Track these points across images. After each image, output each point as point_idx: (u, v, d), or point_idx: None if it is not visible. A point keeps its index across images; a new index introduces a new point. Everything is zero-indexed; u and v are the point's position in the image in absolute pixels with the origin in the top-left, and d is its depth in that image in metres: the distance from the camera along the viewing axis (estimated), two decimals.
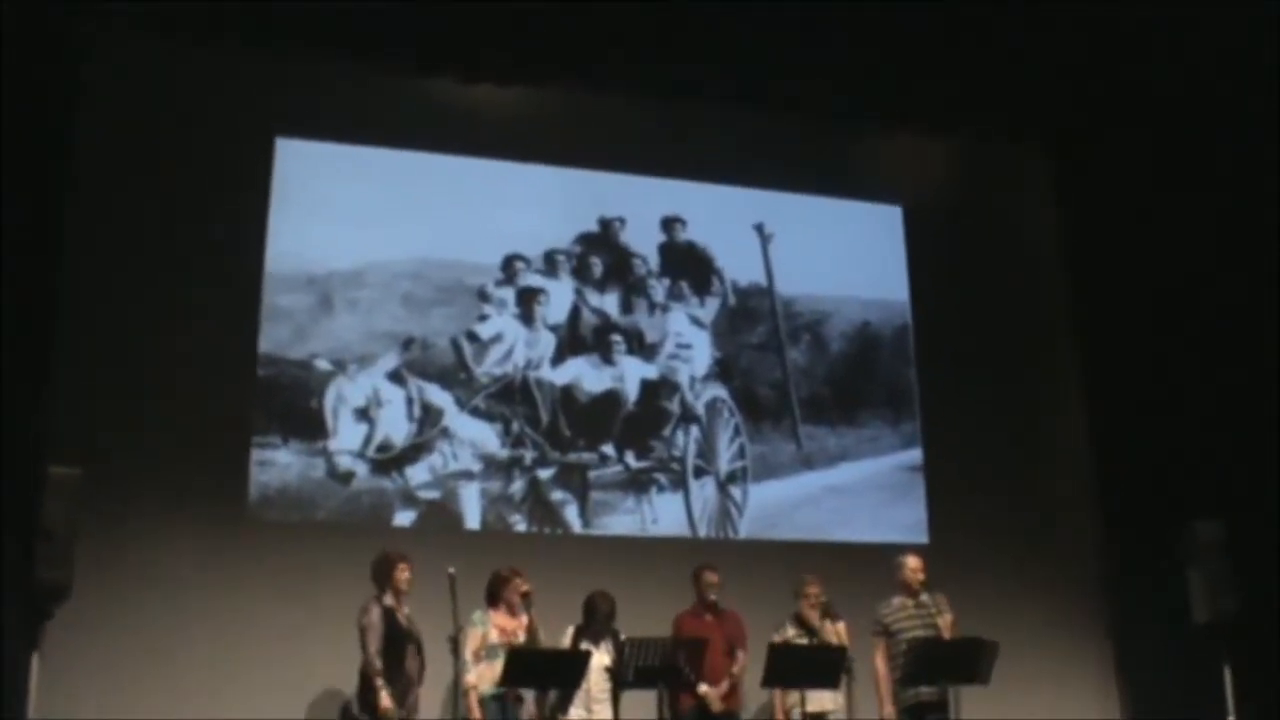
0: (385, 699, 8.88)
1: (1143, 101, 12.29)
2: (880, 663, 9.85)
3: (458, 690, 9.21)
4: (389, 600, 9.18)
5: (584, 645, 9.41)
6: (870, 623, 9.96)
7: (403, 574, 9.24)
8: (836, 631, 9.78)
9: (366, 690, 8.99)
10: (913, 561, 10.04)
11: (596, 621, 9.60)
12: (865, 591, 10.16)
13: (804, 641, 9.78)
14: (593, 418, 11.60)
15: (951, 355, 12.64)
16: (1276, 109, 11.46)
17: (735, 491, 11.81)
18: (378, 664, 8.96)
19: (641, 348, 11.87)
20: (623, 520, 11.49)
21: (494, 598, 9.66)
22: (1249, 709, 9.92)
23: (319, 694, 9.91)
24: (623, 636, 9.29)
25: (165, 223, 10.79)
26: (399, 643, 9.07)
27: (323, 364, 11.02)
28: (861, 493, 12.18)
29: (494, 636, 9.44)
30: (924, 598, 9.88)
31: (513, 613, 9.61)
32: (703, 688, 9.65)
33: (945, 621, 9.78)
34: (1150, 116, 12.32)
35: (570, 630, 9.60)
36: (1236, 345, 11.80)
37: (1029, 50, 12.05)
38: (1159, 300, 12.30)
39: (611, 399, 11.69)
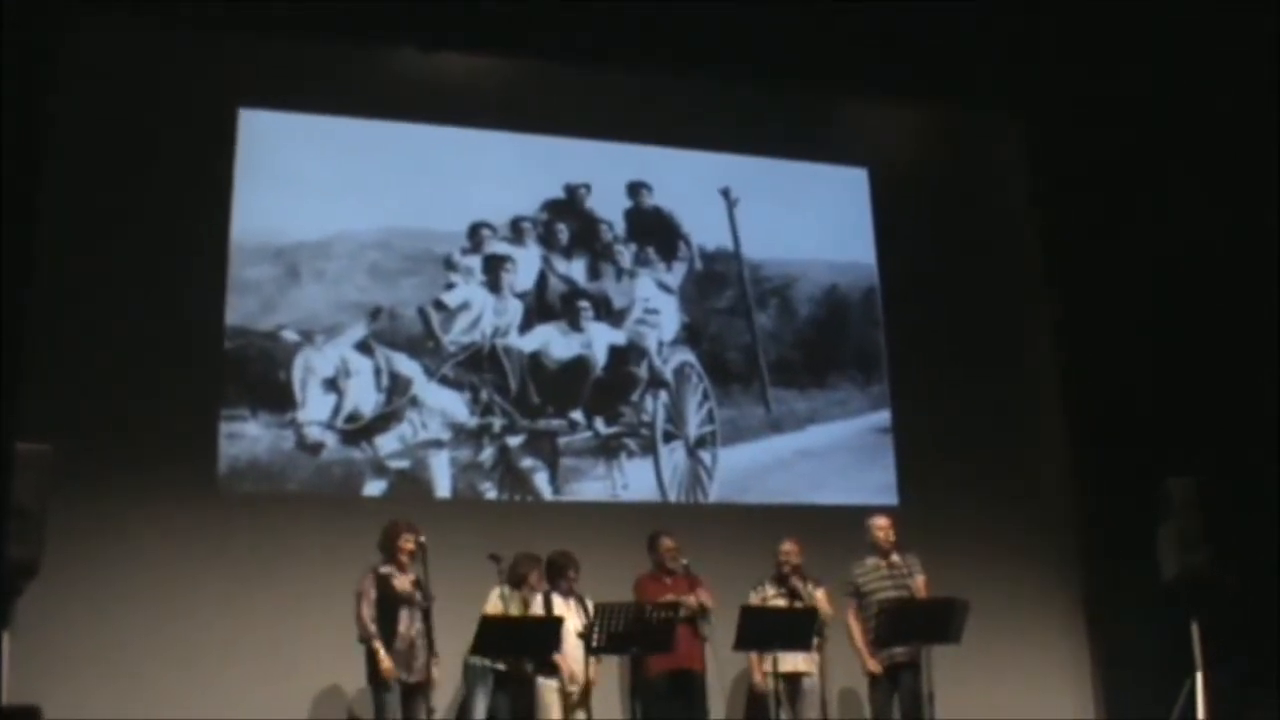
0: (385, 659, 8.96)
1: (1114, 65, 12.31)
2: (852, 621, 9.94)
3: (428, 657, 9.23)
4: (386, 568, 9.20)
5: (556, 607, 9.49)
6: (842, 584, 10.04)
7: (406, 544, 9.26)
8: (816, 595, 9.87)
9: (369, 655, 9.05)
10: (880, 521, 10.14)
11: (564, 580, 9.68)
12: (836, 553, 10.23)
13: (783, 602, 9.83)
14: (561, 384, 11.61)
15: (920, 317, 12.66)
16: (1249, 71, 11.52)
17: (705, 456, 11.84)
18: (371, 628, 9.03)
19: (609, 314, 11.87)
20: (593, 486, 11.51)
21: (515, 579, 9.74)
22: (1217, 665, 9.98)
23: (291, 664, 9.91)
24: (588, 600, 9.40)
25: (131, 195, 10.76)
26: (392, 607, 9.10)
27: (290, 335, 11.01)
28: (831, 455, 12.21)
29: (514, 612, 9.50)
30: (895, 558, 9.96)
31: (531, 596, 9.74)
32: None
33: (918, 582, 9.87)
34: (1121, 81, 12.33)
35: (539, 598, 9.64)
36: (1209, 305, 11.87)
37: (997, 14, 12.04)
38: (1130, 261, 12.33)
39: (580, 365, 11.69)
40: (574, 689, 9.42)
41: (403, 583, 9.19)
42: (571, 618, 9.39)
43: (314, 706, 10.05)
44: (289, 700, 10.11)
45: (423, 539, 9.00)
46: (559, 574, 9.76)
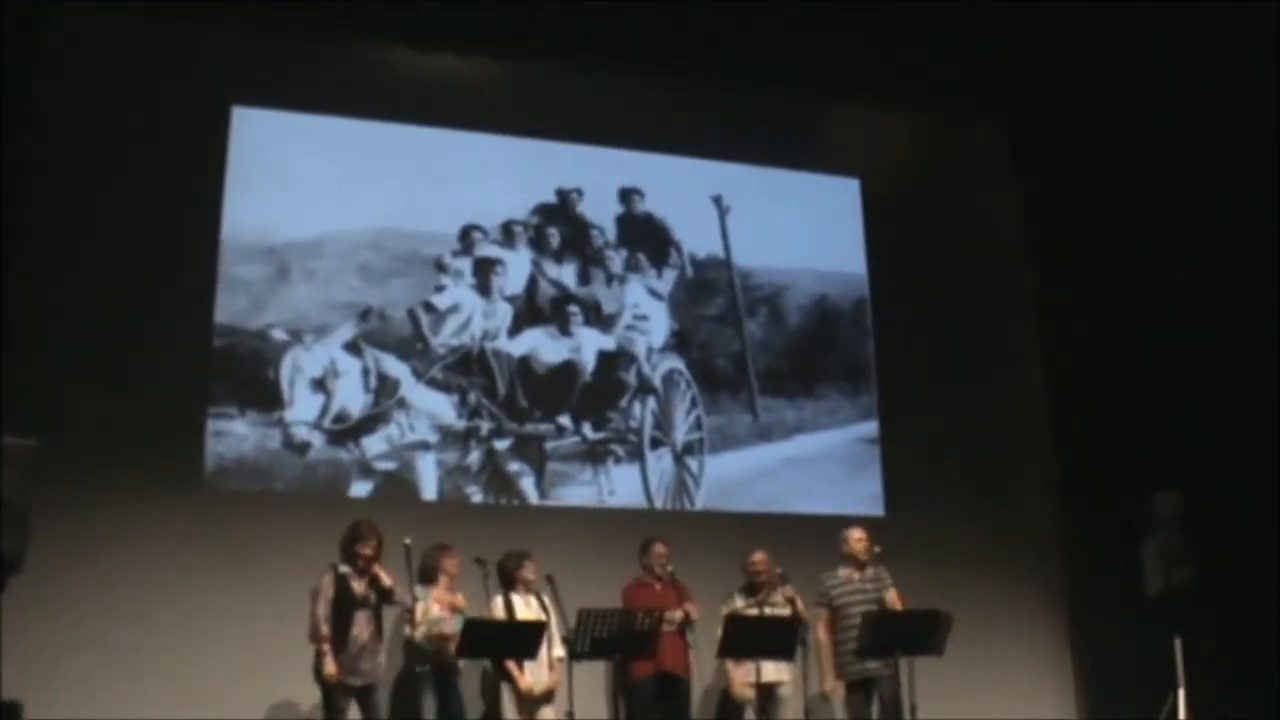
0: (330, 664, 8.93)
1: (1101, 76, 12.36)
2: (823, 634, 9.88)
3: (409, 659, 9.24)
4: (344, 568, 9.17)
5: (519, 609, 9.48)
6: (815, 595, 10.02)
7: (363, 549, 9.21)
8: (789, 599, 9.84)
9: (316, 656, 9.03)
10: (856, 533, 10.07)
11: (517, 582, 9.64)
12: (822, 563, 10.17)
13: (754, 612, 9.81)
14: (550, 389, 11.59)
15: (909, 328, 12.67)
16: (1238, 80, 11.57)
17: (692, 463, 11.83)
18: (323, 629, 8.99)
19: (599, 319, 11.87)
20: (579, 491, 11.49)
21: (428, 574, 9.67)
22: (1199, 681, 10.01)
23: (275, 664, 9.87)
24: (545, 597, 9.45)
25: (122, 192, 10.75)
26: (348, 609, 9.07)
27: (279, 334, 10.99)
28: (818, 465, 12.21)
29: (435, 610, 9.45)
30: (870, 571, 9.92)
31: (451, 587, 9.66)
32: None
33: (891, 595, 9.82)
34: (1108, 90, 12.39)
35: (499, 600, 9.59)
36: (1194, 319, 11.90)
37: (988, 24, 12.08)
38: (1117, 274, 12.37)
39: (568, 370, 11.68)
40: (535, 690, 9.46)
41: (360, 585, 9.15)
42: (532, 617, 9.40)
43: (296, 706, 10.01)
44: (271, 699, 10.10)
45: (408, 541, 8.97)
46: (509, 575, 9.72)
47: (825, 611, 9.92)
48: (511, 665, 9.36)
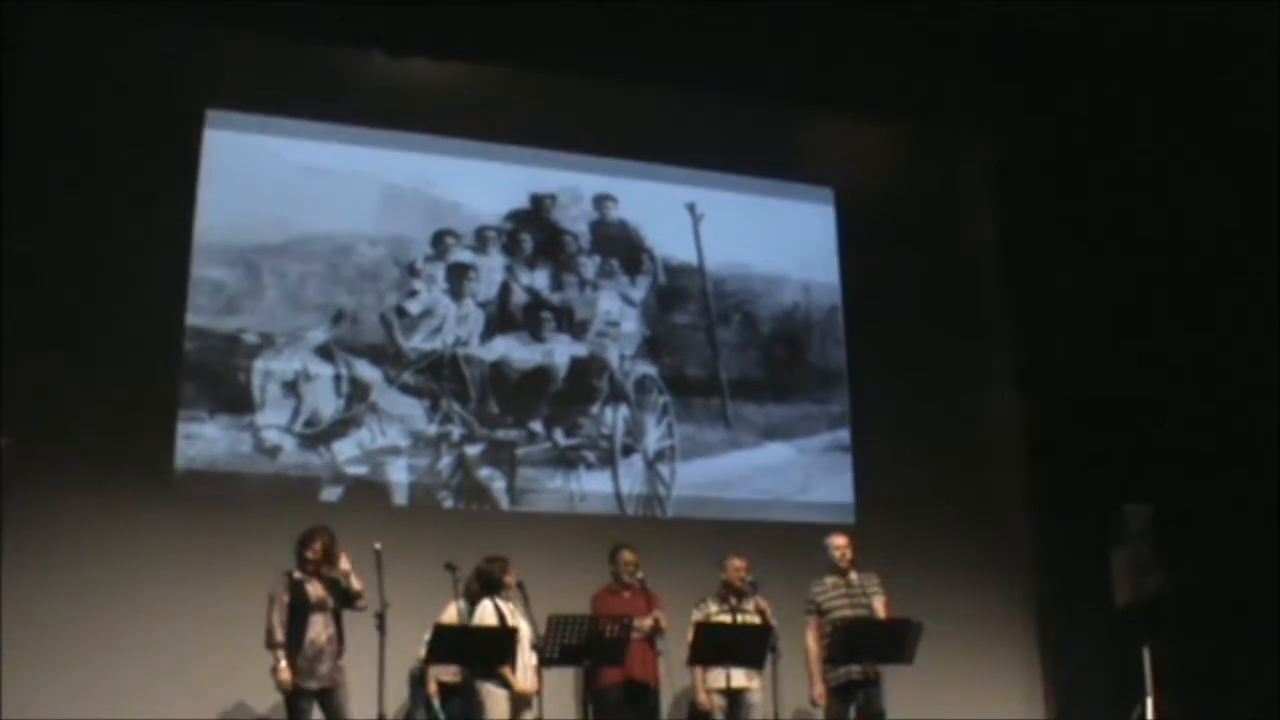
0: (284, 670, 8.89)
1: (1081, 86, 12.40)
2: (812, 641, 9.89)
3: (382, 665, 9.18)
4: (298, 573, 9.15)
5: (507, 616, 9.45)
6: (798, 602, 10.01)
7: (306, 552, 9.18)
8: (759, 609, 9.84)
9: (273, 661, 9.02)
10: (839, 540, 10.10)
11: (501, 587, 9.61)
12: (792, 571, 10.22)
13: (726, 618, 9.81)
14: (521, 395, 11.58)
15: (881, 337, 12.69)
16: (1215, 94, 11.63)
17: (663, 470, 11.83)
18: (278, 636, 8.96)
19: (571, 325, 11.86)
20: (550, 498, 11.50)
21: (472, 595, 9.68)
22: (1168, 690, 10.03)
23: (246, 666, 9.83)
24: (515, 604, 9.38)
25: (94, 194, 10.69)
26: (303, 613, 9.04)
27: (251, 338, 10.96)
28: (789, 473, 12.22)
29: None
30: (854, 577, 9.94)
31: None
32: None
33: (880, 602, 9.84)
34: (1085, 102, 12.43)
35: (489, 605, 9.55)
36: (1169, 330, 11.94)
37: (965, 35, 12.12)
38: (1091, 285, 12.40)
39: (540, 376, 11.68)
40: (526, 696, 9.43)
41: (315, 588, 9.13)
42: (518, 620, 9.38)
43: (265, 708, 9.99)
44: (242, 701, 10.08)
45: (378, 546, 8.94)
46: (494, 580, 9.68)
47: (814, 619, 9.94)
48: (505, 669, 9.33)
